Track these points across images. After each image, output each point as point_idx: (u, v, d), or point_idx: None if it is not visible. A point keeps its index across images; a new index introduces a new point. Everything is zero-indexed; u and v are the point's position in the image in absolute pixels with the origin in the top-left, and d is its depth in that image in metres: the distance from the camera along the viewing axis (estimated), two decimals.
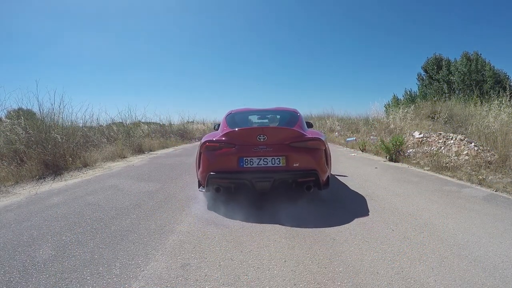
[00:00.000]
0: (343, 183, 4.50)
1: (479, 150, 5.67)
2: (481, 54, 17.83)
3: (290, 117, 4.13)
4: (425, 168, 5.69)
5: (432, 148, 6.61)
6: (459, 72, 17.61)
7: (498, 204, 3.34)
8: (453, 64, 18.40)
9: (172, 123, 16.34)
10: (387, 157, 7.00)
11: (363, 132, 11.99)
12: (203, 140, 3.38)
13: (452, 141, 6.46)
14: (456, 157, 5.70)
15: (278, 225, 2.73)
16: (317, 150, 3.23)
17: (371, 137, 10.31)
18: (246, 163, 3.09)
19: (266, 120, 4.98)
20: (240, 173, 3.08)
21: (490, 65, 17.16)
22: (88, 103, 18.29)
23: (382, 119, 11.43)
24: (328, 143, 3.76)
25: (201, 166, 3.22)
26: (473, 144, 5.98)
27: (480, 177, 4.55)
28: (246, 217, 2.95)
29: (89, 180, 4.98)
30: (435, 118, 9.96)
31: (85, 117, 8.87)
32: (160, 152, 9.98)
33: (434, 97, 14.72)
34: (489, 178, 4.49)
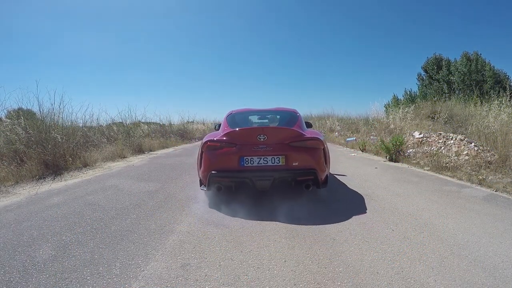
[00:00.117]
0: (343, 183, 4.50)
1: (479, 150, 5.67)
2: (481, 54, 17.85)
3: (290, 117, 4.18)
4: (425, 168, 5.69)
5: (432, 148, 6.61)
6: (459, 72, 17.61)
7: (498, 204, 3.34)
8: (453, 64, 18.40)
9: (172, 123, 16.34)
10: (387, 157, 7.00)
11: (363, 132, 11.99)
12: (204, 140, 3.44)
13: (452, 141, 6.46)
14: (456, 157, 5.70)
15: (278, 225, 2.73)
16: (316, 150, 3.30)
17: (371, 137, 10.31)
18: (247, 162, 3.15)
19: (266, 120, 5.02)
20: (241, 172, 3.14)
21: (490, 65, 17.16)
22: (88, 103, 18.31)
23: (382, 119, 11.42)
24: (328, 143, 3.78)
25: (203, 165, 3.28)
26: (473, 144, 5.98)
27: (480, 177, 4.55)
28: (246, 217, 2.95)
29: (89, 180, 4.98)
30: (435, 118, 9.96)
31: (85, 117, 8.88)
32: (160, 152, 9.98)
33: (434, 97, 14.73)
34: (489, 178, 4.49)
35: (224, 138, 3.28)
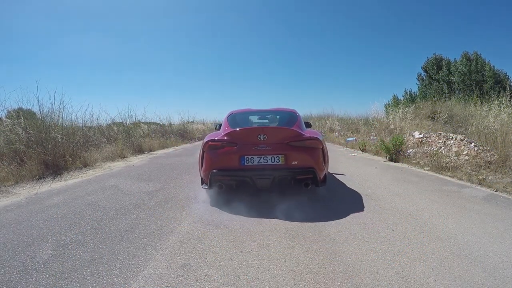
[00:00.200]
0: (343, 183, 4.50)
1: (479, 150, 5.67)
2: (481, 54, 17.83)
3: (289, 117, 4.24)
4: (425, 168, 5.69)
5: (432, 148, 6.60)
6: (459, 72, 17.60)
7: (498, 204, 3.34)
8: (453, 64, 18.40)
9: (172, 123, 16.34)
10: (387, 157, 7.00)
11: (363, 132, 11.99)
12: (205, 140, 3.51)
13: (452, 141, 6.46)
14: (456, 157, 5.70)
15: (278, 225, 2.73)
16: (315, 149, 3.36)
17: (371, 137, 10.31)
18: (247, 161, 3.23)
19: (266, 120, 5.08)
20: (242, 171, 3.21)
21: (490, 65, 17.15)
22: (88, 103, 18.26)
23: (382, 119, 11.43)
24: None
25: (204, 164, 3.34)
26: (473, 144, 5.98)
27: (480, 177, 4.55)
28: (246, 217, 2.95)
29: (89, 180, 4.98)
30: (435, 118, 9.96)
31: (85, 117, 8.84)
32: (160, 152, 9.98)
33: (434, 97, 14.73)
34: (489, 178, 4.49)
35: (225, 138, 3.35)
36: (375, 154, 7.99)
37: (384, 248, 2.23)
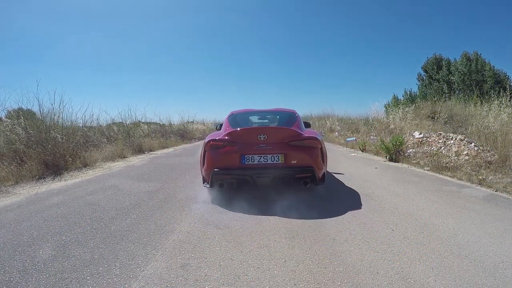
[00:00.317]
0: (343, 183, 4.50)
1: (479, 150, 5.67)
2: (481, 54, 17.84)
3: (289, 118, 4.32)
4: (425, 168, 5.69)
5: (432, 148, 6.60)
6: (459, 72, 17.61)
7: (498, 204, 3.34)
8: (453, 64, 18.40)
9: (172, 123, 16.34)
10: (387, 157, 7.00)
11: (363, 132, 11.99)
12: (207, 139, 3.57)
13: (452, 141, 6.46)
14: (456, 157, 5.70)
15: (278, 225, 2.73)
16: (314, 149, 3.44)
17: (371, 137, 10.31)
18: (248, 160, 3.30)
19: (266, 120, 5.13)
20: (242, 170, 3.29)
21: (490, 65, 17.15)
22: (88, 103, 18.18)
23: (382, 119, 11.43)
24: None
25: (206, 164, 3.40)
26: (473, 144, 5.98)
27: (480, 177, 4.55)
28: (246, 217, 2.96)
29: (89, 180, 4.98)
30: (435, 118, 9.96)
31: (85, 117, 8.84)
32: (160, 152, 9.98)
33: (434, 97, 14.73)
34: (489, 178, 4.49)
35: (226, 138, 3.42)
36: (375, 154, 7.99)
37: (384, 248, 2.23)
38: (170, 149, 10.98)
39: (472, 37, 36.67)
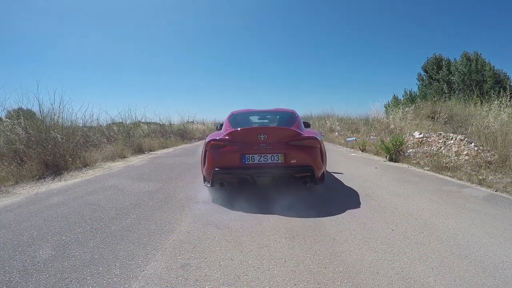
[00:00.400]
0: (343, 183, 4.50)
1: (479, 150, 5.67)
2: (481, 54, 17.85)
3: (288, 118, 4.37)
4: (425, 168, 5.69)
5: (432, 148, 6.60)
6: (459, 72, 17.61)
7: (498, 204, 3.34)
8: (453, 64, 18.40)
9: (172, 123, 16.33)
10: (387, 157, 7.00)
11: (363, 132, 11.99)
12: (208, 139, 3.61)
13: (452, 141, 6.46)
14: (456, 157, 5.70)
15: (278, 225, 2.73)
16: (313, 148, 3.48)
17: (371, 137, 10.30)
18: (248, 160, 3.34)
19: (266, 120, 5.17)
20: (243, 169, 3.33)
21: (490, 65, 17.16)
22: (88, 103, 18.18)
23: (382, 119, 11.43)
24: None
25: (207, 163, 3.44)
26: (473, 144, 5.98)
27: (480, 177, 4.55)
28: (246, 217, 2.96)
29: (89, 180, 4.98)
30: (435, 118, 9.96)
31: (85, 117, 8.83)
32: (160, 152, 9.98)
33: (434, 97, 14.72)
34: (489, 178, 4.49)
35: (227, 137, 3.46)
36: (375, 154, 7.99)
37: (384, 248, 2.23)
38: (170, 149, 10.98)
39: (472, 37, 36.71)
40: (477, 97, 10.61)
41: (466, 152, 5.77)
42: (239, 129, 3.55)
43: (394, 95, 20.59)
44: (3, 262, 2.05)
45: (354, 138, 10.92)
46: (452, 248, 2.22)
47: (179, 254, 2.15)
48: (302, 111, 20.90)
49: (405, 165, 6.23)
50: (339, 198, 3.68)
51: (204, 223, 2.80)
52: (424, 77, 20.99)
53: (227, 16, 71.47)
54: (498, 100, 8.06)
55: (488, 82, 16.50)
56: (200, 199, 3.61)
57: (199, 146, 11.69)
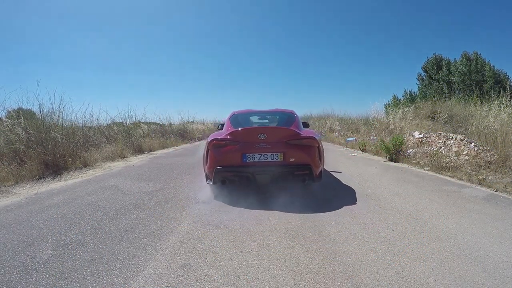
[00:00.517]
0: (343, 183, 4.50)
1: (479, 150, 5.67)
2: (481, 54, 17.84)
3: (288, 118, 4.50)
4: (425, 168, 5.69)
5: (432, 148, 6.61)
6: (459, 72, 17.61)
7: (498, 204, 3.34)
8: (453, 64, 18.40)
9: (172, 123, 16.32)
10: (387, 157, 7.00)
11: (363, 132, 11.99)
12: (209, 139, 3.71)
13: (452, 141, 6.46)
14: (456, 157, 5.70)
15: (278, 225, 2.73)
16: (311, 147, 3.59)
17: (371, 137, 10.31)
18: (249, 159, 3.44)
19: (266, 120, 5.25)
20: (243, 167, 3.43)
21: (490, 65, 17.15)
22: (88, 103, 18.13)
23: (382, 119, 11.43)
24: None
25: (209, 162, 3.56)
26: (473, 144, 5.98)
27: (480, 177, 4.55)
28: (246, 217, 2.96)
29: (89, 180, 4.98)
30: (435, 118, 9.96)
31: (85, 117, 8.81)
32: (160, 152, 9.98)
33: (434, 97, 14.72)
34: (489, 178, 4.49)
35: (228, 137, 3.57)
36: (375, 154, 7.99)
37: (384, 248, 2.23)
38: (170, 149, 10.98)
39: (472, 37, 36.69)
40: (477, 97, 10.60)
41: (466, 152, 5.77)
42: (240, 129, 3.65)
43: (394, 95, 20.59)
44: (3, 262, 2.05)
45: (354, 138, 10.92)
46: (452, 248, 2.22)
47: (179, 254, 2.15)
48: (302, 111, 20.94)
49: (405, 165, 6.23)
50: (339, 198, 3.68)
51: (204, 223, 2.80)
52: (424, 77, 20.98)
53: (227, 16, 71.48)
54: (498, 100, 8.06)
55: (488, 82, 16.50)
56: (200, 199, 3.61)
57: (199, 146, 11.70)
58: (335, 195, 3.82)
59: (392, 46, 50.26)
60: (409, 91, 20.47)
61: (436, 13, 43.54)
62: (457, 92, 17.43)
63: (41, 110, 6.43)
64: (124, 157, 8.08)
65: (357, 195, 3.76)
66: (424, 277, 1.81)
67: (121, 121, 11.17)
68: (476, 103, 9.72)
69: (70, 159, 6.09)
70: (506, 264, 1.98)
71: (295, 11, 63.54)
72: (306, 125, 4.87)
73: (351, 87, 54.75)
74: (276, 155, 3.44)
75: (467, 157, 5.54)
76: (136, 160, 7.77)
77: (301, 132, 3.80)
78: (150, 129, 13.45)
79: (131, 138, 9.78)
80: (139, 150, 9.49)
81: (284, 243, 2.34)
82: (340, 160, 7.03)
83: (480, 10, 37.86)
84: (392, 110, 11.91)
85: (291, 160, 3.44)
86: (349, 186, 4.26)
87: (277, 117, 4.91)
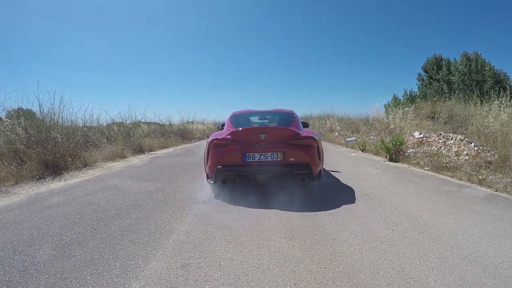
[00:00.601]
0: (343, 183, 4.50)
1: (479, 150, 5.67)
2: (481, 54, 17.84)
3: (287, 118, 4.54)
4: (425, 168, 5.69)
5: (432, 148, 6.60)
6: (459, 72, 17.60)
7: (498, 204, 3.34)
8: (453, 64, 18.39)
9: (172, 123, 16.32)
10: (387, 157, 7.00)
11: (363, 132, 11.99)
12: (210, 139, 3.75)
13: (452, 141, 6.46)
14: (456, 157, 5.70)
15: (278, 225, 2.73)
16: (310, 147, 3.63)
17: (371, 137, 10.30)
18: (249, 158, 3.49)
19: (266, 121, 5.30)
20: (244, 167, 3.48)
21: (490, 65, 17.14)
22: (88, 103, 18.16)
23: (382, 119, 11.42)
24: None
25: (209, 161, 3.60)
26: (473, 144, 5.98)
27: (480, 177, 4.55)
28: (246, 217, 2.96)
29: (89, 180, 4.98)
30: (435, 118, 9.96)
31: (85, 117, 8.83)
32: (160, 152, 9.98)
33: (434, 97, 14.72)
34: (489, 178, 4.49)
35: (229, 137, 3.62)
36: (375, 154, 7.99)
37: (384, 248, 2.23)
38: (170, 149, 10.98)
39: (472, 37, 36.69)
40: (477, 97, 10.60)
41: (466, 152, 5.77)
42: (240, 129, 3.68)
43: (394, 95, 20.57)
44: (3, 262, 2.05)
45: (354, 138, 10.92)
46: (452, 248, 2.22)
47: (179, 254, 2.15)
48: (302, 111, 20.93)
49: (405, 165, 6.23)
50: (339, 198, 3.68)
51: (204, 223, 2.80)
52: (424, 77, 20.98)
53: (227, 17, 71.49)
54: (498, 100, 8.06)
55: (488, 82, 16.49)
56: (200, 199, 3.61)
57: (199, 146, 11.70)
58: (335, 195, 3.82)
59: (392, 46, 50.27)
60: (409, 91, 20.47)
61: (436, 13, 43.54)
62: (457, 92, 17.42)
63: (41, 110, 6.44)
64: (124, 157, 8.08)
65: (357, 195, 3.76)
66: (424, 277, 1.81)
67: (121, 121, 11.18)
68: (476, 103, 9.72)
69: (70, 159, 6.09)
70: (506, 264, 1.98)
71: (295, 11, 63.53)
72: (305, 125, 4.91)
73: (351, 87, 54.79)
74: (276, 154, 3.49)
75: (467, 157, 5.54)
76: (136, 160, 7.77)
77: (300, 132, 3.85)
78: (150, 129, 13.45)
79: (131, 138, 9.78)
80: (139, 150, 9.48)
81: (284, 243, 2.33)
82: (340, 160, 7.03)
83: (480, 10, 37.88)
84: (392, 110, 11.91)
85: (290, 159, 3.48)
86: (349, 186, 4.26)
87: (277, 117, 4.94)
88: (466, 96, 14.09)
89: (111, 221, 2.87)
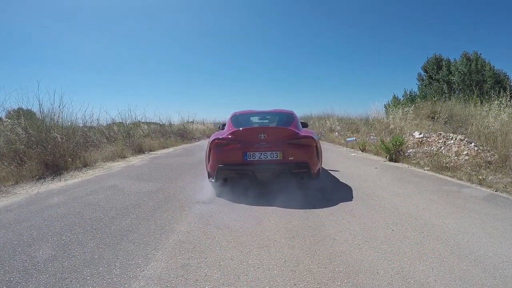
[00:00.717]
0: (343, 182, 4.50)
1: (479, 150, 5.67)
2: (481, 54, 17.83)
3: (287, 118, 4.64)
4: (425, 168, 5.69)
5: (432, 148, 6.60)
6: (459, 72, 17.60)
7: (498, 204, 3.34)
8: (453, 64, 18.38)
9: (172, 123, 16.31)
10: (387, 157, 7.00)
11: (363, 132, 11.98)
12: (212, 138, 3.83)
13: (452, 141, 6.46)
14: (456, 157, 5.70)
15: (278, 225, 2.73)
16: (309, 147, 3.72)
17: (371, 137, 10.31)
18: (249, 157, 3.58)
19: (266, 121, 5.38)
20: (244, 165, 3.57)
21: (490, 65, 17.13)
22: (88, 103, 18.15)
23: (382, 119, 11.41)
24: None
25: (211, 160, 3.69)
26: (473, 144, 5.98)
27: (480, 177, 4.55)
28: (246, 216, 2.96)
29: (89, 180, 4.98)
30: (435, 118, 9.95)
31: (85, 117, 8.82)
32: (160, 152, 9.98)
33: (434, 97, 14.70)
34: (489, 178, 4.49)
35: (230, 136, 3.71)
36: (375, 154, 7.99)
37: (384, 248, 2.23)
38: (170, 149, 10.98)
39: (472, 37, 36.69)
40: (477, 97, 10.59)
41: (466, 152, 5.77)
42: (241, 128, 3.78)
43: (394, 95, 20.54)
44: (3, 262, 2.05)
45: (354, 138, 10.92)
46: (452, 248, 2.22)
47: (179, 254, 2.16)
48: (302, 111, 20.94)
49: (405, 165, 6.23)
50: (339, 198, 3.68)
51: (204, 223, 2.80)
52: (424, 77, 20.97)
53: (226, 17, 71.47)
54: (498, 100, 8.05)
55: (488, 82, 16.49)
56: (200, 199, 3.61)
57: (199, 146, 11.71)
58: (335, 195, 3.82)
59: (392, 46, 50.26)
60: (409, 91, 20.44)
61: (436, 13, 43.54)
62: (457, 92, 17.41)
63: (41, 110, 6.43)
64: (124, 157, 8.08)
65: (357, 195, 3.76)
66: (424, 277, 1.81)
67: (121, 121, 11.17)
68: (476, 103, 9.72)
69: (70, 159, 6.09)
70: (506, 264, 1.98)
71: (294, 11, 63.51)
72: (305, 125, 4.98)
73: (351, 87, 54.81)
74: (276, 153, 3.57)
75: (467, 157, 5.54)
76: (136, 160, 7.77)
77: (299, 132, 3.94)
78: (150, 129, 13.44)
79: (131, 138, 9.77)
80: (139, 150, 9.48)
81: (284, 243, 2.34)
82: (340, 160, 7.03)
83: (480, 10, 37.88)
84: (392, 110, 11.90)
85: (290, 158, 3.57)
86: (349, 186, 4.26)
87: (277, 117, 5.00)
88: (466, 96, 14.08)
89: (111, 221, 2.87)
